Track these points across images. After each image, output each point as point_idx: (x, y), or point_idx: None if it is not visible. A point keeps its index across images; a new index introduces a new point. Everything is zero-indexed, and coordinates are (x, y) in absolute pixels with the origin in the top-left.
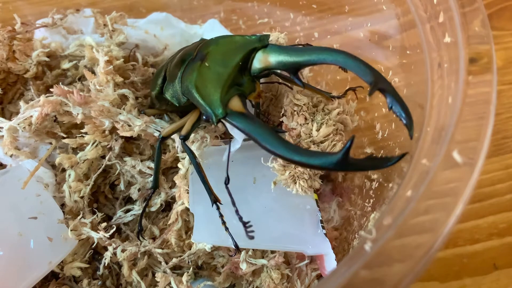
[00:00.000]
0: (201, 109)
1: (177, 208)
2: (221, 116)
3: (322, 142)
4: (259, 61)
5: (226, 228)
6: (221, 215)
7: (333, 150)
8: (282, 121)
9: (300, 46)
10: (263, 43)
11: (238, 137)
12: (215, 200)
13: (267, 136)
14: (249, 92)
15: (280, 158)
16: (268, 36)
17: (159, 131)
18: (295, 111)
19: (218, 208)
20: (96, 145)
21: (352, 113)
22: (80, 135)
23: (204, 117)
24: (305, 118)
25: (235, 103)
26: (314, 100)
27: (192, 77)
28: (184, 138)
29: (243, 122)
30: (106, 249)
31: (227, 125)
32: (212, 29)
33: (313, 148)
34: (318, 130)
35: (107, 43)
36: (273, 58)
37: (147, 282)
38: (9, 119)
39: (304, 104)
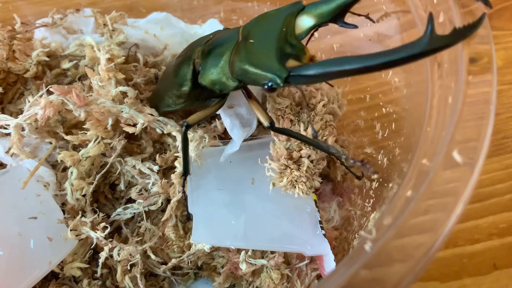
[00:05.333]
0: (261, 79)
1: (171, 204)
2: (286, 75)
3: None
4: (304, 22)
5: None
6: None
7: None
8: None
9: None
10: (299, 7)
11: (237, 138)
12: (184, 173)
13: (341, 61)
14: (302, 56)
15: (367, 71)
16: (300, 1)
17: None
18: (279, 115)
19: (185, 180)
20: (99, 142)
21: (339, 98)
22: (82, 132)
23: (266, 86)
24: (291, 120)
25: (293, 62)
26: (296, 98)
27: (241, 56)
28: (187, 126)
29: (311, 69)
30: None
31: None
32: (212, 29)
33: (305, 149)
34: (306, 129)
35: (107, 42)
36: (319, 11)
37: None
38: None
39: (286, 107)
